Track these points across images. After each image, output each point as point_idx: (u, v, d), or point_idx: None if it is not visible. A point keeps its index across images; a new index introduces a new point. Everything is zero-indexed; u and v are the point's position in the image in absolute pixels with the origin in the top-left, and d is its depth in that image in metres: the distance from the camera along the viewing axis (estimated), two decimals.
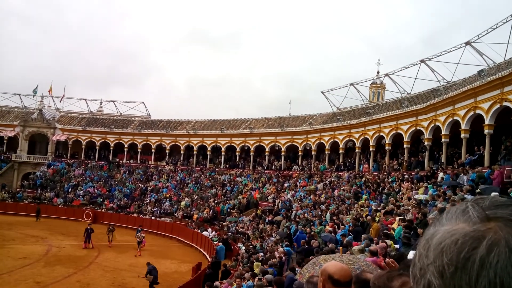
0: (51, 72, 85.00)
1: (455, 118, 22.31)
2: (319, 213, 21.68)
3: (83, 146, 45.92)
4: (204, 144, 42.24)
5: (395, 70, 31.25)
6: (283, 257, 14.63)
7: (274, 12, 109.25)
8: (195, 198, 36.10)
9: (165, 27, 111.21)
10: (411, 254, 4.54)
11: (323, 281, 2.64)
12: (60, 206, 37.37)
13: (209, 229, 27.43)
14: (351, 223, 16.23)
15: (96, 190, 39.98)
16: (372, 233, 13.45)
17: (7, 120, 45.76)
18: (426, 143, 25.14)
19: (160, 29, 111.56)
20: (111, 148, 45.44)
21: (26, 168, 44.14)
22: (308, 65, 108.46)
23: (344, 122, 32.57)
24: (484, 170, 16.67)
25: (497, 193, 10.26)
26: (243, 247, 20.37)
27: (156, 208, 35.73)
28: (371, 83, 41.52)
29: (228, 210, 32.24)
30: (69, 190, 40.14)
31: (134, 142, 45.01)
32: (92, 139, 45.67)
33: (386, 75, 32.67)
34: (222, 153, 41.45)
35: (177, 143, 43.61)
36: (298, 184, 31.59)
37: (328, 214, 20.29)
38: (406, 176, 22.30)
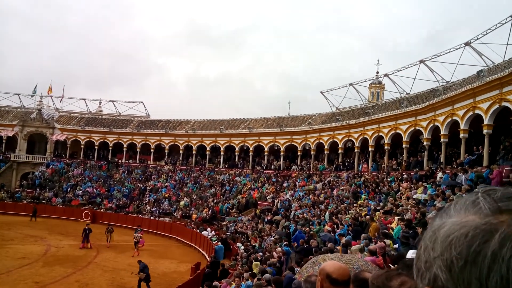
0: (51, 72, 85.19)
1: (454, 118, 22.34)
2: (318, 212, 21.68)
3: (82, 146, 45.89)
4: (203, 144, 42.23)
5: (394, 70, 31.31)
6: (282, 257, 14.63)
7: (273, 12, 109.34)
8: (194, 198, 36.09)
9: (165, 26, 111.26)
10: (410, 254, 4.54)
11: (321, 280, 2.63)
12: (59, 206, 37.33)
13: (208, 229, 27.42)
14: (350, 223, 16.23)
15: (95, 190, 39.95)
16: (371, 232, 13.46)
17: (6, 120, 45.71)
18: (425, 143, 25.17)
19: (159, 28, 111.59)
20: (110, 148, 45.41)
21: (25, 168, 44.10)
22: (308, 65, 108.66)
23: (343, 122, 32.58)
24: (483, 170, 16.69)
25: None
26: (242, 247, 20.36)
27: (155, 208, 35.72)
28: (370, 83, 41.58)
29: (227, 209, 32.24)
30: (68, 190, 40.10)
31: (133, 142, 44.99)
32: (91, 139, 45.64)
33: (385, 75, 32.70)
34: (221, 153, 41.45)
35: (176, 143, 43.60)
36: (297, 184, 31.59)
37: (327, 213, 20.30)
38: (405, 175, 22.31)
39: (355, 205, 20.67)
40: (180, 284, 15.11)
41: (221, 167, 41.22)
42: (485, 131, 19.94)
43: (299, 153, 36.72)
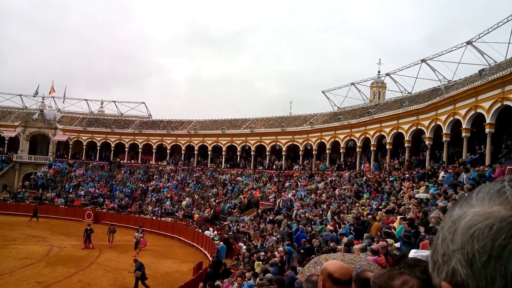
0: (52, 73, 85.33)
1: (456, 117, 22.30)
2: (320, 212, 21.68)
3: (84, 146, 45.98)
4: (205, 144, 42.26)
5: (396, 70, 31.24)
6: (284, 256, 14.63)
7: (275, 11, 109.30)
8: (196, 197, 36.12)
9: (166, 27, 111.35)
10: (412, 253, 4.53)
11: (323, 280, 2.64)
12: (61, 206, 37.41)
13: (211, 229, 27.45)
14: (352, 222, 16.22)
15: (97, 190, 40.02)
16: (373, 232, 13.45)
17: (8, 121, 45.82)
18: (427, 142, 25.13)
19: (161, 29, 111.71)
20: (112, 148, 45.49)
21: (27, 168, 44.20)
22: (309, 64, 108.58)
23: (345, 122, 32.56)
24: (485, 169, 16.66)
25: None
26: (244, 247, 20.37)
27: (157, 208, 35.76)
28: (372, 83, 41.52)
29: (229, 209, 32.25)
30: (70, 190, 40.18)
31: (135, 142, 45.05)
32: (93, 139, 45.72)
33: (387, 74, 32.65)
34: (223, 153, 41.47)
35: (178, 143, 43.64)
36: (299, 183, 31.59)
37: (329, 213, 20.29)
38: (407, 175, 22.29)
39: (357, 204, 20.66)
40: (182, 284, 15.13)
41: (223, 167, 41.25)
42: (487, 130, 19.91)
43: (300, 152, 36.70)
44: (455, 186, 14.91)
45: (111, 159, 45.21)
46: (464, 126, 21.55)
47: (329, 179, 29.52)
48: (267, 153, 39.10)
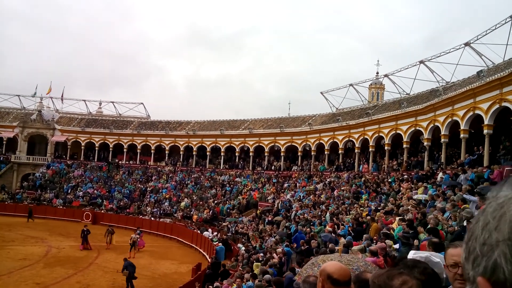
0: (51, 73, 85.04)
1: (455, 118, 22.36)
2: (319, 213, 21.69)
3: (82, 147, 45.91)
4: (203, 144, 42.25)
5: (394, 71, 31.29)
6: (283, 258, 14.63)
7: (273, 13, 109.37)
8: (195, 198, 36.10)
9: (165, 28, 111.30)
10: (411, 254, 4.54)
11: (322, 281, 2.65)
12: (59, 207, 37.34)
13: (210, 230, 27.44)
14: (351, 223, 16.24)
15: (95, 191, 39.95)
16: (372, 233, 13.46)
17: (6, 121, 45.74)
18: (425, 143, 25.19)
19: (159, 30, 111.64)
20: (111, 149, 45.44)
21: (25, 169, 44.11)
22: (308, 65, 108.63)
23: (344, 123, 32.60)
24: (483, 170, 16.70)
25: None
26: (243, 248, 20.37)
27: (156, 209, 35.72)
28: (371, 84, 41.57)
29: (228, 210, 32.24)
30: (69, 191, 40.11)
31: (134, 143, 45.01)
32: (92, 140, 45.67)
33: (386, 75, 32.69)
34: (222, 154, 41.47)
35: (176, 144, 43.62)
36: (297, 184, 31.60)
37: (328, 214, 20.30)
38: (406, 176, 22.33)
39: (355, 205, 20.68)
40: (181, 285, 15.12)
41: (221, 168, 41.24)
42: (485, 131, 19.96)
43: (299, 153, 36.73)
44: (453, 187, 14.94)
45: (110, 160, 45.15)
46: (462, 127, 21.61)
47: (328, 180, 29.54)
48: (266, 154, 39.11)
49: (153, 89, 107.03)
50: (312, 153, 35.43)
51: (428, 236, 8.90)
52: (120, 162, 45.11)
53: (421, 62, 28.68)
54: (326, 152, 34.23)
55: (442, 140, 23.31)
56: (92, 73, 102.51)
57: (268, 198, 31.61)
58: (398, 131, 27.61)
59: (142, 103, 49.33)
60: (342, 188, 25.64)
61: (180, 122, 45.27)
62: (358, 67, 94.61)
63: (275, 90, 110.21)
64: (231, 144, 41.01)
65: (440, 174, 19.14)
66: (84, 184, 41.08)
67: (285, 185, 33.05)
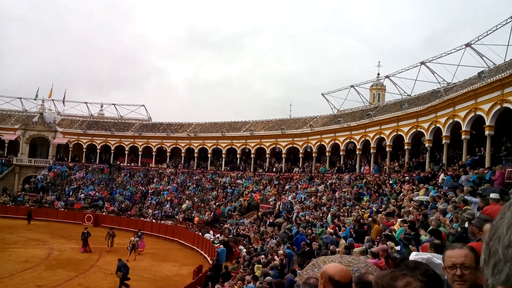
0: (52, 76, 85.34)
1: (456, 119, 22.34)
2: (320, 215, 21.67)
3: (84, 149, 45.97)
4: (204, 146, 42.27)
5: (395, 72, 31.29)
6: (284, 260, 14.61)
7: (274, 14, 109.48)
8: (196, 200, 36.09)
9: (165, 30, 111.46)
10: (413, 256, 4.52)
11: (324, 283, 2.64)
12: (61, 209, 37.36)
13: (211, 232, 27.42)
14: (352, 225, 16.22)
15: (97, 193, 39.98)
16: (373, 234, 13.44)
17: (8, 124, 45.83)
18: (426, 145, 25.17)
19: (160, 32, 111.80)
20: (112, 151, 45.49)
21: (27, 171, 44.17)
22: (308, 67, 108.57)
23: (345, 124, 32.60)
24: (484, 171, 16.67)
25: (497, 193, 10.24)
26: (244, 250, 20.35)
27: (157, 211, 35.72)
28: (371, 85, 41.53)
29: (229, 212, 32.23)
30: (70, 193, 40.14)
31: (135, 145, 45.06)
32: (93, 142, 45.73)
33: (387, 77, 32.68)
34: (223, 156, 41.48)
35: (177, 146, 43.66)
36: (299, 186, 31.58)
37: (329, 216, 20.28)
38: (407, 177, 22.30)
39: (357, 207, 20.65)
40: (182, 287, 15.10)
41: (222, 169, 41.25)
42: (487, 132, 19.94)
43: (300, 155, 36.72)
44: (455, 188, 14.91)
45: (111, 162, 45.20)
46: (463, 128, 21.58)
47: (329, 181, 29.52)
48: (267, 155, 39.11)
49: (153, 90, 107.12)
50: (313, 154, 35.42)
51: (429, 238, 8.88)
52: (121, 164, 45.17)
53: (422, 63, 28.67)
54: (327, 154, 34.22)
55: (444, 141, 23.28)
56: (92, 75, 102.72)
57: (270, 200, 31.60)
58: (399, 133, 27.59)
59: (143, 105, 49.43)
60: (344, 190, 25.62)
61: (181, 124, 45.32)
62: (358, 68, 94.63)
63: (276, 90, 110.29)
64: (233, 146, 41.03)
65: (442, 176, 19.11)
66: (86, 186, 41.12)
67: (286, 186, 33.04)
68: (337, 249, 11.82)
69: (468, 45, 24.99)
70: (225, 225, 29.64)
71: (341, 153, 32.89)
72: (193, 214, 33.58)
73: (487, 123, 19.99)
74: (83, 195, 39.44)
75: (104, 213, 36.47)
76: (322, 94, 37.44)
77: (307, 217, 22.12)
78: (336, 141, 33.33)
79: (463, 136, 21.65)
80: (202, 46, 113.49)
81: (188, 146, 43.09)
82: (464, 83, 23.59)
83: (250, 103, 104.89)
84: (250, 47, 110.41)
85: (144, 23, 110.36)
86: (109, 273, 19.66)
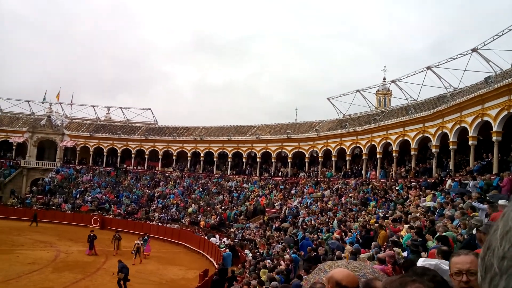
0: (60, 80, 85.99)
1: (463, 125, 22.24)
2: (326, 220, 21.63)
3: (91, 152, 46.28)
4: (210, 150, 42.38)
5: (402, 77, 31.24)
6: (290, 265, 14.61)
7: (280, 18, 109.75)
8: (202, 204, 36.16)
9: (172, 35, 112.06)
10: (420, 261, 4.53)
11: None
12: (68, 212, 37.61)
13: (217, 236, 27.45)
14: (358, 231, 16.18)
15: (104, 196, 40.20)
16: (380, 240, 13.40)
17: (16, 126, 46.29)
18: (433, 150, 25.05)
19: (166, 36, 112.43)
20: (119, 154, 45.75)
21: (34, 174, 44.52)
22: (315, 71, 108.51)
23: (351, 129, 32.54)
24: (491, 177, 16.58)
25: (506, 200, 10.20)
26: (250, 254, 20.36)
27: (163, 214, 35.83)
28: (378, 90, 41.50)
29: (235, 216, 32.24)
30: (77, 196, 40.40)
31: (141, 148, 45.29)
32: (100, 145, 46.03)
33: (393, 81, 32.64)
34: (229, 160, 41.55)
35: (184, 150, 43.81)
36: (305, 190, 31.55)
37: (335, 221, 20.24)
38: (414, 183, 22.20)
39: (363, 212, 20.60)
40: None
41: (228, 173, 41.30)
42: (494, 138, 19.83)
43: (306, 160, 36.69)
44: (462, 194, 14.84)
45: (118, 165, 45.45)
46: (471, 134, 21.47)
47: (335, 186, 29.46)
48: (273, 160, 39.12)
49: (160, 94, 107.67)
50: (319, 159, 35.38)
51: (437, 244, 8.86)
52: (128, 167, 45.40)
53: (428, 68, 28.61)
54: (333, 159, 34.16)
55: (451, 147, 23.17)
56: (99, 79, 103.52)
57: (275, 204, 31.58)
58: (405, 138, 27.50)
59: (149, 109, 49.77)
60: (350, 195, 25.56)
61: (187, 128, 45.50)
62: (365, 73, 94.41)
63: (282, 95, 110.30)
64: (238, 150, 41.09)
65: (449, 181, 19.02)
66: (93, 189, 41.36)
67: (292, 191, 33.01)
68: (343, 255, 11.82)
69: (474, 50, 24.93)
70: (231, 229, 29.67)
71: (347, 158, 32.82)
72: (199, 218, 33.64)
73: (495, 128, 19.88)
74: (90, 197, 39.67)
75: (110, 216, 36.65)
76: (328, 99, 37.48)
77: (313, 222, 22.09)
78: (342, 146, 33.28)
79: (470, 142, 21.54)
80: (208, 50, 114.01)
81: (194, 149, 43.23)
82: (471, 88, 23.50)
83: (255, 108, 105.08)
84: (256, 52, 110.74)
85: (151, 28, 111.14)
86: (115, 276, 19.74)
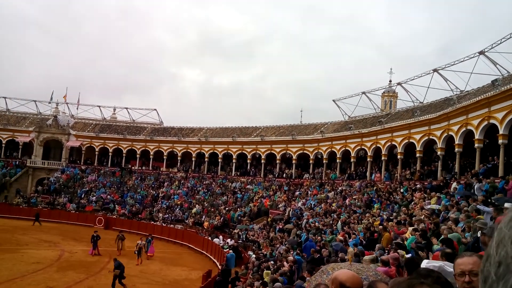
0: (67, 80, 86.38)
1: (469, 127, 22.10)
2: (330, 222, 21.56)
3: (96, 152, 46.49)
4: (215, 151, 42.43)
5: (408, 79, 31.10)
6: (293, 266, 14.57)
7: (286, 21, 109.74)
8: (206, 205, 36.19)
9: (179, 36, 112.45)
10: (424, 263, 4.51)
11: None
12: (73, 211, 37.77)
13: (220, 236, 27.46)
14: (362, 233, 16.11)
15: (108, 196, 40.34)
16: (384, 242, 13.33)
17: (23, 126, 46.60)
18: (439, 153, 24.92)
19: (174, 38, 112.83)
20: (124, 155, 45.92)
21: (40, 173, 44.78)
22: (320, 73, 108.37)
23: (356, 131, 32.45)
24: (496, 180, 16.46)
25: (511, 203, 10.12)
26: (254, 255, 20.33)
27: (167, 215, 35.89)
28: (383, 92, 41.36)
29: (239, 217, 32.24)
30: (82, 196, 40.58)
31: (146, 148, 45.43)
32: (105, 146, 46.22)
33: (398, 84, 32.50)
34: (233, 161, 41.57)
35: (188, 150, 43.90)
36: (309, 192, 31.48)
37: (339, 223, 20.17)
38: (419, 185, 22.09)
39: (367, 214, 20.52)
40: None
41: (233, 174, 41.32)
42: (500, 141, 19.69)
43: (311, 161, 36.63)
44: (467, 197, 14.74)
45: (123, 165, 45.61)
46: (477, 136, 21.34)
47: (340, 188, 29.37)
48: (277, 161, 39.10)
49: (165, 95, 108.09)
50: (324, 161, 35.31)
51: (441, 247, 8.80)
52: (133, 167, 45.55)
53: (435, 70, 28.47)
54: (338, 160, 34.08)
55: (456, 149, 23.04)
56: (106, 80, 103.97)
57: (279, 205, 31.54)
58: (411, 140, 27.38)
59: (155, 110, 49.88)
60: (354, 197, 25.47)
61: (192, 129, 45.58)
62: (370, 75, 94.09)
63: (287, 97, 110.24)
64: (243, 151, 41.10)
65: (454, 184, 18.90)
66: (98, 189, 41.53)
67: (297, 193, 32.95)
68: (346, 257, 11.76)
69: (481, 53, 24.78)
70: (235, 230, 29.66)
71: (352, 160, 32.73)
72: (202, 219, 33.67)
73: (501, 131, 19.75)
74: (94, 197, 39.83)
75: (115, 216, 36.76)
76: (333, 101, 37.40)
77: (316, 223, 22.03)
78: (347, 148, 33.19)
79: (476, 145, 21.41)
80: (214, 52, 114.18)
81: (199, 150, 43.30)
82: (478, 91, 23.37)
83: (261, 110, 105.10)
84: (262, 54, 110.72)
85: (158, 30, 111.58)
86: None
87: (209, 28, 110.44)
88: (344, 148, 33.48)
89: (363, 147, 32.05)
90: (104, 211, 37.67)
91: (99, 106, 50.50)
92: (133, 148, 45.75)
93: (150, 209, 37.76)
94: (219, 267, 20.52)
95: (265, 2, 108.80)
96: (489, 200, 13.25)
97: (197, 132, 44.73)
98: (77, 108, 50.08)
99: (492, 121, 20.55)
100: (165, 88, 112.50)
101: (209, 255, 26.10)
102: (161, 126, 48.32)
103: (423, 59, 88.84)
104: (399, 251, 9.82)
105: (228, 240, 26.47)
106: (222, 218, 32.41)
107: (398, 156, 28.28)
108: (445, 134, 24.36)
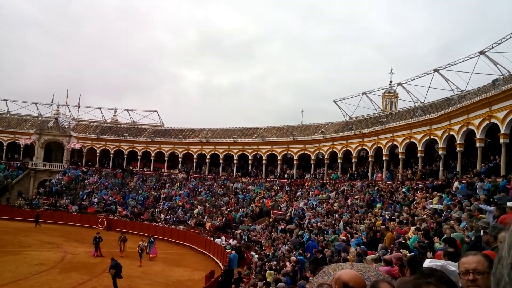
0: (67, 81, 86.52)
1: (470, 127, 22.13)
2: (332, 222, 21.59)
3: (97, 154, 46.58)
4: (216, 152, 42.49)
5: (408, 79, 31.09)
6: (296, 266, 14.59)
7: (286, 21, 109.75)
8: (208, 206, 36.25)
9: (179, 37, 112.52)
10: (427, 262, 4.54)
11: None
12: (75, 213, 37.86)
13: (222, 237, 27.50)
14: (364, 233, 16.13)
15: (110, 197, 40.42)
16: (386, 242, 13.36)
17: (24, 128, 46.73)
18: (440, 152, 24.95)
19: (174, 39, 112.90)
20: (125, 156, 46.00)
21: (42, 175, 44.89)
22: (321, 74, 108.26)
23: (357, 131, 32.48)
24: (497, 180, 16.47)
25: None
26: (256, 256, 20.37)
27: (169, 216, 35.95)
28: (384, 92, 41.34)
29: (241, 218, 32.28)
30: (84, 197, 40.67)
31: (148, 150, 45.50)
32: (107, 147, 46.32)
33: (399, 84, 32.51)
34: (235, 162, 41.63)
35: (189, 151, 43.96)
36: (310, 192, 31.52)
37: (341, 223, 20.21)
38: (420, 185, 22.11)
39: (369, 214, 20.54)
40: None
41: (234, 175, 41.37)
42: (501, 140, 19.72)
43: (312, 162, 36.66)
44: (469, 196, 14.77)
45: (124, 167, 45.69)
46: (478, 136, 21.36)
47: (341, 188, 29.41)
48: (279, 162, 39.14)
49: (166, 96, 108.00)
50: (325, 161, 35.34)
51: (444, 246, 8.83)
52: (134, 169, 45.62)
53: (436, 70, 28.48)
54: (339, 161, 34.12)
55: (458, 149, 23.06)
56: (106, 80, 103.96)
57: (281, 206, 31.58)
58: (412, 140, 27.40)
59: (156, 111, 49.90)
60: (356, 197, 25.50)
61: (193, 130, 45.65)
62: (371, 75, 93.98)
63: (288, 98, 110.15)
64: (244, 152, 41.15)
65: (456, 184, 18.92)
66: (99, 190, 41.61)
67: (298, 193, 32.99)
68: (348, 257, 11.80)
69: (482, 52, 24.78)
70: (237, 231, 29.71)
71: (353, 160, 32.76)
72: (204, 220, 33.73)
73: (502, 131, 19.77)
74: (96, 199, 39.91)
75: (117, 218, 36.83)
76: (334, 101, 37.42)
77: (318, 223, 22.06)
78: (348, 148, 33.23)
79: (477, 144, 21.43)
80: (214, 52, 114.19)
81: (200, 151, 43.36)
82: (478, 90, 23.39)
83: (261, 110, 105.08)
84: (262, 54, 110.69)
85: (158, 30, 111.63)
86: (122, 277, 19.84)
87: (209, 28, 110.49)
88: (345, 149, 33.52)
89: (364, 147, 32.08)
90: (106, 213, 37.75)
91: (99, 108, 50.62)
92: (134, 149, 45.83)
93: (152, 210, 37.83)
94: (222, 267, 20.56)
95: (265, 2, 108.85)
96: (491, 199, 13.27)
97: (198, 133, 44.79)
98: (78, 110, 50.25)
99: (493, 120, 20.58)
100: (165, 88, 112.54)
101: (211, 256, 26.16)
102: (162, 128, 48.39)
103: (423, 59, 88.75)
104: (402, 250, 9.86)
105: (230, 240, 26.52)
106: (224, 219, 32.46)
107: (400, 156, 28.30)
108: (446, 134, 24.39)
